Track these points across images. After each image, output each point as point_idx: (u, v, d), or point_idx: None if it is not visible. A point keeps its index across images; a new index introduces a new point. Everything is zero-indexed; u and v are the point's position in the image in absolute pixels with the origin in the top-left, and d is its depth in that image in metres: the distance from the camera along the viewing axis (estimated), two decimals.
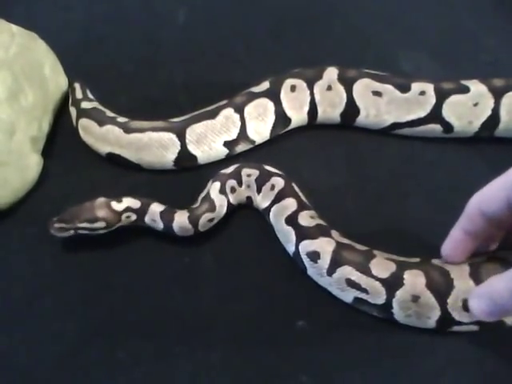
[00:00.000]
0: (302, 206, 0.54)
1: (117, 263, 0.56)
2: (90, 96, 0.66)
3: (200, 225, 0.55)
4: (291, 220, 0.53)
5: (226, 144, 0.61)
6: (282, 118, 0.62)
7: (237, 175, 0.57)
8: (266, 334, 0.51)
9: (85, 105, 0.64)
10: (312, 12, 0.82)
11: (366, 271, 0.49)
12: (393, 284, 0.48)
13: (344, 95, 0.62)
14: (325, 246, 0.51)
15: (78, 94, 0.66)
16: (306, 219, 0.53)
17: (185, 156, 0.60)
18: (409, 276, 0.48)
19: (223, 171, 0.57)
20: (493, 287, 0.43)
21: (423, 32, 0.79)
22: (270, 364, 0.49)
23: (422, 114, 0.61)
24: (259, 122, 0.61)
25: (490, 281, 0.44)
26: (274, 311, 0.52)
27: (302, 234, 0.52)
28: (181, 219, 0.55)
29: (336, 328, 0.51)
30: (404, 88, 0.61)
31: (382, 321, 0.50)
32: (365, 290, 0.49)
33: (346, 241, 0.52)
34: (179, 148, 0.59)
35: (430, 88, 0.61)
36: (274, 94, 0.61)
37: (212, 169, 0.61)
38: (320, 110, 0.63)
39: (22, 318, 0.53)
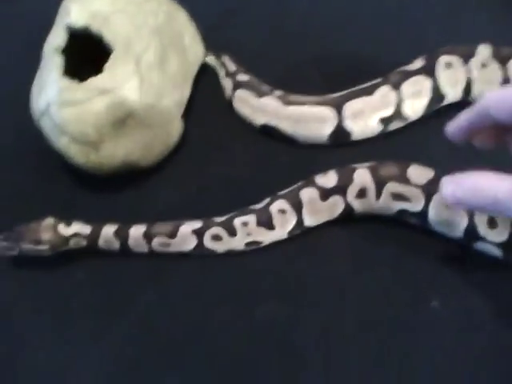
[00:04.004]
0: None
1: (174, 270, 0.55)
2: (242, 69, 0.67)
3: (153, 244, 0.55)
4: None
5: (382, 121, 0.60)
6: (437, 94, 0.61)
7: (228, 225, 0.54)
8: (397, 315, 0.50)
9: (240, 77, 0.65)
10: None
11: None
12: None
13: (499, 72, 0.60)
14: None
15: (231, 67, 0.67)
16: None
17: (340, 131, 0.60)
18: None
19: (215, 218, 0.55)
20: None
21: None
22: (399, 347, 0.49)
23: None
24: (415, 100, 0.61)
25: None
26: (405, 289, 0.52)
27: None
28: (135, 233, 0.55)
29: (469, 311, 0.50)
30: None
31: None
32: None
33: None
34: (336, 123, 0.59)
35: None
36: (430, 71, 0.60)
37: (364, 146, 0.61)
38: (475, 87, 0.62)
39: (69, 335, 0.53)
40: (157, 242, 0.55)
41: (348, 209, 0.55)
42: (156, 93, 0.60)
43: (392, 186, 0.53)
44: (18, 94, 0.62)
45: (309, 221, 0.55)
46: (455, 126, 0.48)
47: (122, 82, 0.57)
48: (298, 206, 0.54)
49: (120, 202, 0.61)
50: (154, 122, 0.59)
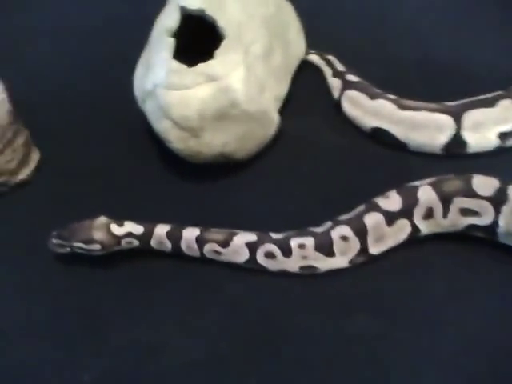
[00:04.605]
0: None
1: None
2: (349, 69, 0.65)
3: (205, 250, 0.53)
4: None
5: (500, 135, 0.58)
6: None
7: (283, 244, 0.52)
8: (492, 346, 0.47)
9: (350, 77, 0.64)
10: None
11: None
12: None
13: None
14: None
15: (339, 67, 0.66)
16: None
17: (456, 141, 0.57)
18: None
19: (272, 234, 0.53)
20: None
21: None
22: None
23: None
24: None
25: None
26: (505, 320, 0.49)
27: None
28: (188, 236, 0.53)
29: None
30: None
31: None
32: None
33: None
34: (454, 132, 0.57)
35: None
36: None
37: (476, 160, 0.58)
38: None
39: None
40: (208, 249, 0.53)
41: (414, 231, 0.52)
42: (259, 85, 0.58)
43: (459, 201, 0.50)
44: (122, 72, 0.62)
45: (373, 248, 0.52)
46: None
47: (230, 70, 0.56)
48: (362, 233, 0.51)
49: (208, 192, 0.60)
50: (253, 114, 0.58)
